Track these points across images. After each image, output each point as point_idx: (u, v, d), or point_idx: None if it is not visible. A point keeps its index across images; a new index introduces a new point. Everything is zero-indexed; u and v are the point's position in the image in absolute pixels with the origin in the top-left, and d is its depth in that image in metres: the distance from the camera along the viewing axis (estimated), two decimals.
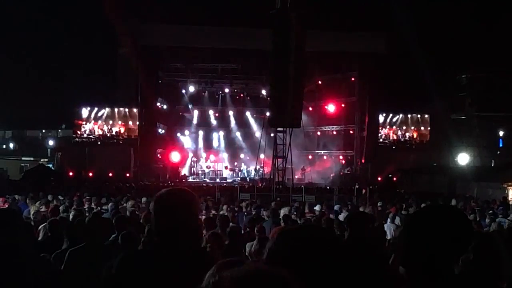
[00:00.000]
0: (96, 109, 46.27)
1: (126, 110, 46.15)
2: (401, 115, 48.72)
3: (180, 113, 54.13)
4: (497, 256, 4.65)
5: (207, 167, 51.42)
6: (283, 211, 17.30)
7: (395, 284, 3.59)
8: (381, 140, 48.10)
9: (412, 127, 48.94)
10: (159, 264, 3.65)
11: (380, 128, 47.99)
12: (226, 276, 1.51)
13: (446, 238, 2.93)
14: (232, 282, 1.47)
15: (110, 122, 46.41)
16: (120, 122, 46.46)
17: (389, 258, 7.37)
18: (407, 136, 48.60)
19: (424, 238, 2.97)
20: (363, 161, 46.87)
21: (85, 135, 46.36)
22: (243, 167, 51.69)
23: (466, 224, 3.11)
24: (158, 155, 49.58)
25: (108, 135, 46.30)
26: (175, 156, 47.93)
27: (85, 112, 46.26)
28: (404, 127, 48.92)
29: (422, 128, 48.92)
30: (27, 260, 4.76)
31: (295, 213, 18.14)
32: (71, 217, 15.18)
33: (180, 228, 3.74)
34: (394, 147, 48.26)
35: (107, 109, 46.31)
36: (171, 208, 3.78)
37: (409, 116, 48.91)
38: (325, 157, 52.39)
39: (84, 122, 46.15)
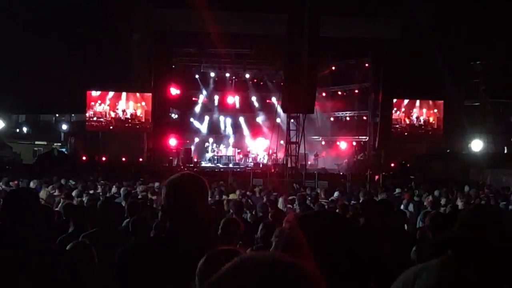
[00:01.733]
0: (110, 93, 46.25)
1: (142, 94, 46.12)
2: (417, 101, 48.44)
3: (193, 98, 54.06)
4: None
5: (220, 152, 51.47)
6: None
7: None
8: (393, 124, 47.82)
9: (426, 110, 48.53)
10: (171, 251, 3.63)
11: (394, 111, 47.71)
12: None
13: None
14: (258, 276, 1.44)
15: (124, 104, 46.33)
16: (134, 104, 46.36)
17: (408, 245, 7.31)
18: (422, 120, 48.27)
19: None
20: (376, 147, 46.74)
21: (95, 118, 46.23)
22: (256, 152, 51.66)
23: None
24: (171, 140, 49.66)
25: (122, 118, 46.19)
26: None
27: (96, 97, 46.26)
28: (418, 111, 48.58)
29: (436, 113, 48.63)
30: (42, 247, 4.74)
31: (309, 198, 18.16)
32: (85, 201, 15.24)
33: (192, 212, 3.74)
34: (406, 133, 48.02)
35: (122, 93, 46.28)
36: (182, 192, 3.79)
37: (422, 101, 48.64)
38: (338, 143, 52.32)
39: (96, 103, 46.04)
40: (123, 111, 46.04)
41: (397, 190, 23.28)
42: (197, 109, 54.33)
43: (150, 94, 45.45)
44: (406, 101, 47.98)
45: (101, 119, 46.03)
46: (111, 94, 46.33)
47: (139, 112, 46.24)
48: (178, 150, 47.72)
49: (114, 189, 20.84)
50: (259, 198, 19.61)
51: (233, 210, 11.78)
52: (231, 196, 19.17)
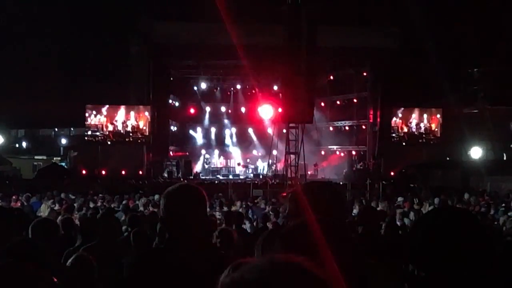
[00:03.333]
0: (107, 106, 46.12)
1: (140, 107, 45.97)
2: (415, 110, 48.36)
3: (192, 110, 54.12)
4: None
5: (219, 163, 51.55)
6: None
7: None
8: (392, 132, 47.71)
9: (428, 116, 48.35)
10: (171, 261, 3.65)
11: (393, 121, 47.65)
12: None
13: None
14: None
15: (123, 115, 46.14)
16: (136, 115, 46.11)
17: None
18: (422, 128, 48.15)
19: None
20: (375, 156, 46.77)
21: (95, 130, 46.00)
22: (256, 163, 51.71)
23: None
24: (171, 153, 49.71)
25: (122, 131, 45.98)
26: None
27: (96, 111, 46.15)
28: (417, 117, 48.43)
29: (439, 118, 48.52)
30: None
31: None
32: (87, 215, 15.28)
33: (190, 223, 3.76)
34: (404, 143, 47.91)
35: (121, 107, 46.16)
36: (180, 203, 3.81)
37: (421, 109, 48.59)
38: (337, 153, 52.36)
39: (93, 115, 45.81)
40: (123, 123, 45.81)
41: (399, 199, 23.31)
42: (197, 121, 54.36)
43: (149, 106, 45.43)
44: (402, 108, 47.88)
45: (97, 133, 45.74)
46: (109, 112, 46.19)
47: (141, 124, 45.95)
48: (178, 162, 47.75)
49: (115, 203, 20.86)
50: (260, 209, 19.69)
51: (233, 221, 11.82)
52: (233, 208, 19.21)
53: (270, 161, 47.31)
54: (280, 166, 45.51)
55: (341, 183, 39.20)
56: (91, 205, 19.98)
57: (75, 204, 18.00)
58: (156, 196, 21.76)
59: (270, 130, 49.35)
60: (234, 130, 55.00)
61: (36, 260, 4.24)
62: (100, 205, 19.94)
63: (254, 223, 16.33)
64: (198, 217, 3.82)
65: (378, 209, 17.76)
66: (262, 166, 49.82)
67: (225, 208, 18.87)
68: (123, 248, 7.43)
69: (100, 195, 23.55)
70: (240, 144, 54.57)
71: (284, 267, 1.50)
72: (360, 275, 2.27)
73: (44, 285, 3.50)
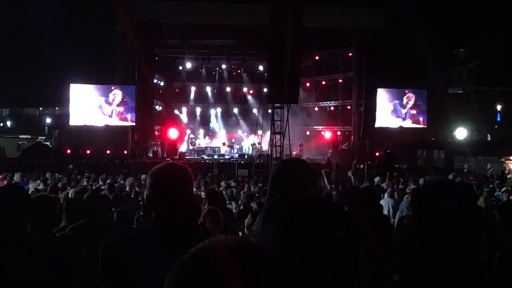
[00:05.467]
0: (91, 88, 45.94)
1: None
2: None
3: (177, 90, 54.01)
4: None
5: (204, 143, 51.52)
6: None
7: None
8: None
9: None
10: (157, 241, 3.65)
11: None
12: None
13: (451, 211, 2.91)
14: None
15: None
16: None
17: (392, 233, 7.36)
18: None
19: (430, 213, 2.96)
20: (361, 136, 46.86)
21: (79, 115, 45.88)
22: (241, 143, 51.74)
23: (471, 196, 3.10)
24: (156, 132, 49.64)
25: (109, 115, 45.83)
26: (173, 133, 47.81)
27: (81, 89, 45.99)
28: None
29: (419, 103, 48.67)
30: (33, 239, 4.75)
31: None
32: (70, 194, 15.22)
33: (176, 202, 3.76)
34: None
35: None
36: (166, 182, 3.80)
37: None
38: (322, 133, 52.39)
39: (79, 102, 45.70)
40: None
41: (376, 179, 23.38)
42: (182, 100, 54.25)
43: (134, 86, 45.28)
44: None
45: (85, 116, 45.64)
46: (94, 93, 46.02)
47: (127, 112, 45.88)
48: (163, 142, 47.69)
49: (100, 182, 20.81)
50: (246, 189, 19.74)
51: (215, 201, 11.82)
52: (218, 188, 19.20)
53: (255, 141, 47.29)
54: (265, 146, 45.49)
55: (325, 162, 39.30)
56: (76, 184, 19.94)
57: (58, 185, 17.91)
58: (143, 176, 21.74)
59: (255, 110, 49.35)
60: (219, 110, 54.95)
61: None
62: (86, 185, 19.89)
63: (239, 203, 16.37)
64: (185, 196, 3.83)
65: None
66: (247, 146, 49.82)
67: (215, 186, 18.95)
68: (110, 228, 7.43)
69: (86, 174, 23.47)
70: (225, 124, 54.54)
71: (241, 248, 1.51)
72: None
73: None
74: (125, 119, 45.77)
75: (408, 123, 48.16)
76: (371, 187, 18.03)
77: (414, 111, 48.14)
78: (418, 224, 3.05)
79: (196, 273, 1.44)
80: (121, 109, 45.61)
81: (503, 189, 19.49)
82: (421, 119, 48.33)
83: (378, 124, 47.45)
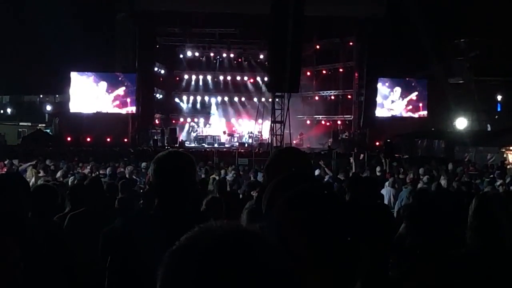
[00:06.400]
0: (92, 77, 46.04)
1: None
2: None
3: (178, 78, 53.95)
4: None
5: (205, 132, 51.48)
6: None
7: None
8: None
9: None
10: (160, 227, 3.65)
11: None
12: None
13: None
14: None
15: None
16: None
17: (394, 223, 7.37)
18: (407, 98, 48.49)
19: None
20: (361, 125, 46.88)
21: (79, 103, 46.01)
22: (241, 132, 51.71)
23: None
24: (156, 120, 49.67)
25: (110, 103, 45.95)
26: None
27: (81, 77, 46.09)
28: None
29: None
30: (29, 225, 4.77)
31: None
32: (70, 181, 15.24)
33: (180, 188, 3.77)
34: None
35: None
36: (170, 168, 3.81)
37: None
38: (323, 122, 52.39)
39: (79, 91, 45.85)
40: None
41: (378, 169, 23.37)
42: (182, 89, 54.19)
43: (135, 74, 45.28)
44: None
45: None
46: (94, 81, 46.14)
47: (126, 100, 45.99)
48: (163, 130, 47.69)
49: (99, 169, 20.81)
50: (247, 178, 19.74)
51: (216, 189, 11.83)
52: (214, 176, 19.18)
53: (256, 130, 47.26)
54: (265, 135, 45.48)
55: (326, 152, 39.30)
56: (77, 171, 19.94)
57: (59, 172, 17.94)
58: (143, 164, 21.74)
59: (255, 99, 49.29)
60: (219, 98, 54.85)
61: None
62: (88, 172, 19.89)
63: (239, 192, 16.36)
64: (188, 183, 3.84)
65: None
66: (247, 135, 49.80)
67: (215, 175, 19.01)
68: (111, 215, 7.44)
69: (91, 162, 23.46)
70: (226, 113, 54.48)
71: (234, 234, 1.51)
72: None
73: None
74: (125, 107, 45.82)
75: (408, 113, 48.30)
76: (372, 177, 18.07)
77: (414, 100, 48.33)
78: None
79: (186, 262, 1.44)
80: (121, 97, 45.66)
81: (498, 183, 19.36)
82: (420, 105, 48.46)
83: (378, 113, 47.56)
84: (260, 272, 1.42)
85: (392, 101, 48.15)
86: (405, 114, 48.29)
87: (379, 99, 47.59)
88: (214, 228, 1.49)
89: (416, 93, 48.59)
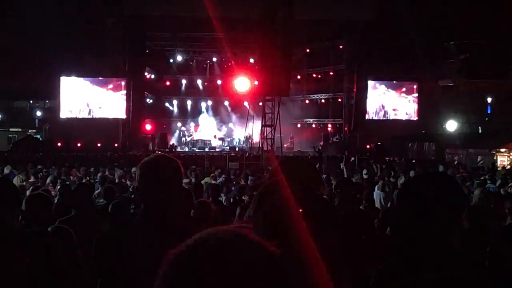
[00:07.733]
0: (82, 81, 46.05)
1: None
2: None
3: (168, 83, 53.94)
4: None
5: (195, 136, 51.46)
6: None
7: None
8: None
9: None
10: (146, 233, 3.64)
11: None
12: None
13: (440, 205, 2.90)
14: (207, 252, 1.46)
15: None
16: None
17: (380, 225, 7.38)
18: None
19: (418, 206, 2.95)
20: (351, 129, 46.94)
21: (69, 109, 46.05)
22: (232, 136, 51.74)
23: (458, 189, 3.09)
24: (147, 125, 49.64)
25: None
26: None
27: (71, 82, 46.08)
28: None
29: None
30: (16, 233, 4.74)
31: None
32: (57, 187, 15.18)
33: (166, 193, 3.74)
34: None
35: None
36: (156, 173, 3.78)
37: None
38: (313, 126, 52.44)
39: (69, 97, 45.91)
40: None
41: (364, 172, 23.42)
42: (172, 93, 54.19)
43: (125, 79, 45.26)
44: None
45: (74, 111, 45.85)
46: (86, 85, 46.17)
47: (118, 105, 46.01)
48: (154, 135, 47.66)
49: (90, 174, 20.78)
50: (235, 181, 19.70)
51: (208, 194, 11.80)
52: (206, 180, 19.15)
53: (246, 134, 47.28)
54: (256, 139, 45.48)
55: (316, 155, 39.37)
56: (67, 177, 19.88)
57: (48, 178, 17.89)
58: (133, 169, 21.70)
59: (246, 103, 49.31)
60: (210, 102, 54.87)
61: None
62: (79, 177, 19.85)
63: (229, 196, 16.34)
64: (174, 188, 3.81)
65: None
66: (238, 139, 49.84)
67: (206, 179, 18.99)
68: (100, 220, 7.42)
69: (82, 168, 23.39)
70: (216, 117, 54.47)
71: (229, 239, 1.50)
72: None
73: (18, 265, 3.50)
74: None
75: (398, 116, 48.47)
76: (362, 181, 18.08)
77: (404, 103, 48.51)
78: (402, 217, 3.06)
79: (190, 266, 1.43)
80: (111, 102, 45.69)
81: (497, 183, 19.36)
82: (412, 109, 48.66)
83: (369, 116, 47.67)
84: (254, 276, 1.42)
85: (384, 92, 48.31)
86: (394, 117, 48.41)
87: (369, 102, 47.70)
88: (213, 235, 1.49)
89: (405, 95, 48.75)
